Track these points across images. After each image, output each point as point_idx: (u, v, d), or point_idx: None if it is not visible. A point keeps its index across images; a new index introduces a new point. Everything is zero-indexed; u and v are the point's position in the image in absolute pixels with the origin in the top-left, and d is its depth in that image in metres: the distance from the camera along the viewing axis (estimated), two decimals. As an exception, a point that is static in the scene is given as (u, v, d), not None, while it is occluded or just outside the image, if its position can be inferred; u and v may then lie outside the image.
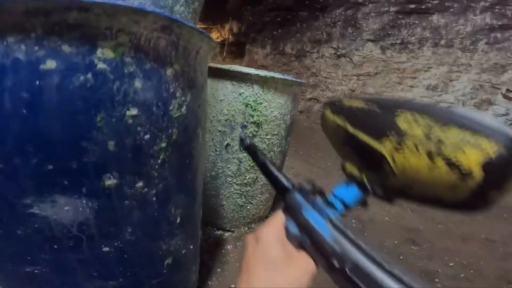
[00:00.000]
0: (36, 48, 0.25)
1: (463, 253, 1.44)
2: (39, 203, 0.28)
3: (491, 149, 0.16)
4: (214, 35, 10.85)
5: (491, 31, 2.71)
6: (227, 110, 0.92)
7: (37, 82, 0.25)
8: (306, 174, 2.12)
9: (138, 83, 0.31)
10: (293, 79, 1.01)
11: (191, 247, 0.52)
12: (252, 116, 0.94)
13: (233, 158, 0.99)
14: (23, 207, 0.28)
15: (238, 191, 1.10)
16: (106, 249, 0.34)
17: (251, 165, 1.05)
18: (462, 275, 1.24)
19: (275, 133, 1.03)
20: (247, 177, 1.07)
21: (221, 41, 8.96)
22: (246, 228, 1.22)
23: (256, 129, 0.97)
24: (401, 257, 1.30)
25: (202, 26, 11.48)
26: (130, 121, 0.31)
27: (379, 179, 0.23)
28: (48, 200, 0.29)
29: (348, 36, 3.54)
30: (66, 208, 0.29)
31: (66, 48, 0.26)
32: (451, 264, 1.32)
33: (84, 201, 0.30)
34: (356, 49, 3.35)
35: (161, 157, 0.37)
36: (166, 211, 0.43)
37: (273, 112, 0.98)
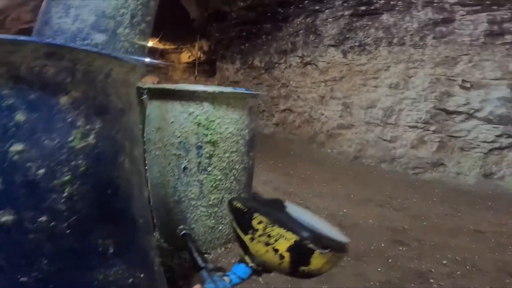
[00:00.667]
0: None
1: (454, 248, 1.52)
2: None
3: (292, 238, 0.29)
4: (185, 55, 11.20)
5: (435, 25, 3.13)
6: (179, 132, 0.94)
7: None
8: (286, 186, 2.25)
9: (20, 116, 0.32)
10: (245, 92, 1.06)
11: (142, 275, 0.53)
12: (206, 135, 0.95)
13: (194, 181, 0.99)
14: None
15: (205, 213, 1.11)
16: (23, 279, 0.36)
17: (214, 185, 1.07)
18: (458, 272, 1.25)
19: (234, 150, 1.04)
20: (212, 198, 1.08)
21: (193, 60, 9.23)
22: (223, 249, 1.22)
23: (213, 148, 0.97)
24: (390, 260, 1.36)
25: (172, 46, 11.81)
26: (16, 157, 0.32)
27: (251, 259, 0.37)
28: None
29: (311, 44, 3.88)
30: None
31: None
32: (444, 261, 1.33)
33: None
34: (320, 56, 3.67)
35: (66, 190, 0.39)
36: (90, 242, 0.46)
37: (228, 129, 1.00)
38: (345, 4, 3.72)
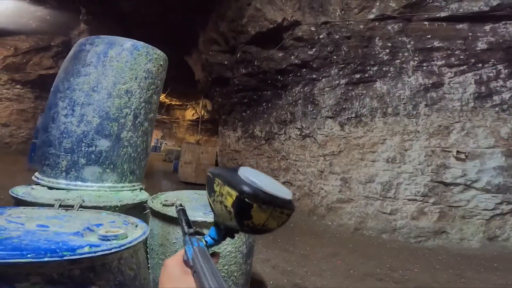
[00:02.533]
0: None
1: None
2: None
3: (234, 194, 0.44)
4: (190, 112, 13.35)
5: (426, 91, 4.12)
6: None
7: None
8: (284, 265, 2.98)
9: None
10: None
11: None
12: None
13: None
14: None
15: None
16: None
17: None
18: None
19: (232, 263, 1.62)
20: None
21: (197, 118, 11.00)
22: None
23: None
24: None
25: (178, 102, 14.14)
26: None
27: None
28: None
29: (309, 114, 4.98)
30: None
31: None
32: None
33: None
34: (318, 128, 4.72)
35: None
36: None
37: (227, 248, 1.52)
38: (341, 73, 4.87)
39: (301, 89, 5.44)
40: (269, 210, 0.49)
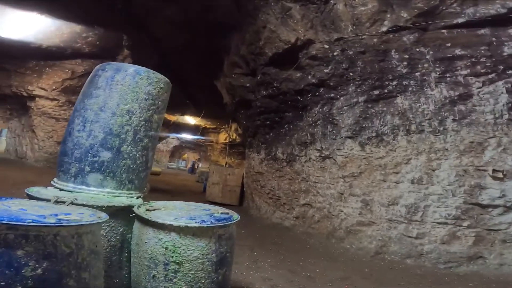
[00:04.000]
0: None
1: None
2: None
3: None
4: (223, 135, 14.02)
5: (453, 104, 3.92)
6: (151, 251, 1.71)
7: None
8: (285, 285, 2.91)
9: None
10: (210, 225, 1.80)
11: None
12: (172, 257, 1.66)
13: (160, 286, 1.69)
14: None
15: None
16: None
17: None
18: None
19: (199, 269, 1.73)
20: None
21: (230, 141, 11.49)
22: None
23: (178, 267, 1.68)
24: None
25: (212, 126, 15.00)
26: None
27: None
28: None
29: (328, 135, 5.00)
30: None
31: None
32: None
33: None
34: (338, 149, 4.71)
35: None
36: None
37: (193, 254, 1.70)
38: (358, 90, 4.86)
39: (320, 109, 5.51)
40: None
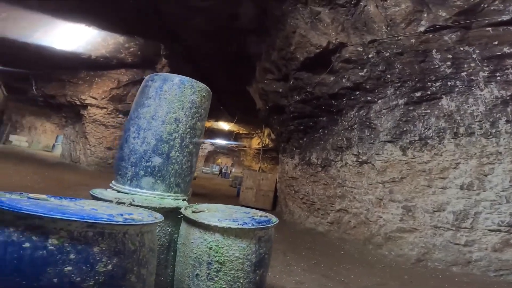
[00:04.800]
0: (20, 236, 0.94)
1: None
2: None
3: None
4: (256, 140, 14.20)
5: (505, 105, 3.62)
6: (196, 250, 1.84)
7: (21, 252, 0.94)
8: None
9: (72, 255, 0.96)
10: (252, 227, 1.90)
11: None
12: (215, 256, 1.66)
13: (203, 285, 1.70)
14: None
15: None
16: None
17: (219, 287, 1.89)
18: None
19: (239, 269, 1.82)
20: None
21: (263, 146, 11.61)
22: None
23: (220, 266, 1.78)
24: None
25: (245, 131, 15.30)
26: (67, 271, 0.94)
27: None
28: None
29: (366, 140, 4.84)
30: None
31: (34, 237, 0.96)
32: None
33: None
34: (377, 154, 4.54)
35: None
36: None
37: (235, 254, 1.71)
38: (398, 92, 4.65)
39: (356, 113, 5.34)
40: None
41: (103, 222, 1.01)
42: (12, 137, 16.67)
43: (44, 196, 1.29)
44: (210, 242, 1.71)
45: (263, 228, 1.80)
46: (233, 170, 21.81)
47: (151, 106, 2.18)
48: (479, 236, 3.37)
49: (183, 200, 2.18)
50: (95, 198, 1.82)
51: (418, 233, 3.88)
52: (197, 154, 2.55)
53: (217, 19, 6.85)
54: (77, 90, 10.85)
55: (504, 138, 3.49)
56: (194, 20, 7.08)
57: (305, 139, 6.64)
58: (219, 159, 27.54)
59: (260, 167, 11.33)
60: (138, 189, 2.04)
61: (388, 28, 4.16)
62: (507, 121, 3.53)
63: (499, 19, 3.32)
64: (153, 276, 1.35)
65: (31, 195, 1.30)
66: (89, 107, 10.96)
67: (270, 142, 12.21)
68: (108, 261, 1.01)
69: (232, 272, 1.70)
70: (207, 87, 2.41)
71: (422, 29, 3.80)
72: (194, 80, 2.30)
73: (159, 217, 1.35)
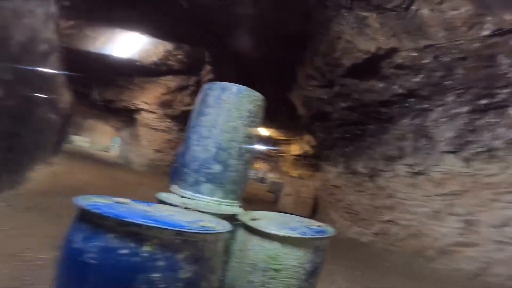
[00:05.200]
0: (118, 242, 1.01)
1: None
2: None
3: None
4: (295, 146, 14.06)
5: None
6: (254, 257, 1.82)
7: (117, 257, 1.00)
8: None
9: (160, 262, 0.98)
10: (311, 236, 1.88)
11: None
12: (272, 264, 1.75)
13: None
14: None
15: None
16: None
17: None
18: None
19: (294, 277, 1.80)
20: None
21: (301, 153, 11.45)
22: None
23: (275, 273, 1.77)
24: None
25: (284, 137, 15.25)
26: (154, 276, 0.96)
27: None
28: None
29: (422, 149, 4.54)
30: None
31: (132, 244, 0.97)
32: None
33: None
34: (434, 165, 4.23)
35: None
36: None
37: (292, 262, 1.76)
38: (460, 99, 4.29)
39: (410, 122, 5.01)
40: None
41: (190, 231, 1.07)
42: (75, 138, 18.72)
43: (128, 200, 1.42)
44: (268, 249, 1.72)
45: (320, 238, 1.79)
46: (270, 175, 21.81)
47: (210, 115, 2.28)
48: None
49: (238, 207, 2.24)
50: (161, 202, 1.96)
51: (479, 248, 3.55)
52: (252, 162, 2.61)
53: (262, 26, 6.98)
54: (131, 95, 11.68)
55: None
56: (240, 27, 7.30)
57: (350, 147, 6.40)
58: (257, 165, 27.77)
59: (300, 174, 11.17)
60: (199, 195, 2.14)
61: (447, 32, 3.86)
62: None
63: None
64: (217, 283, 1.41)
65: (115, 199, 1.45)
66: (141, 112, 11.82)
67: (310, 149, 12.00)
68: (189, 268, 1.05)
69: (287, 280, 1.70)
70: (262, 96, 2.46)
71: (486, 32, 3.47)
72: (250, 89, 2.36)
73: (227, 225, 1.41)
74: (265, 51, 8.26)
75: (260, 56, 8.63)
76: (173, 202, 1.87)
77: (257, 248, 1.73)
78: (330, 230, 1.96)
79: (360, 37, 4.82)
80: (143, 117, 11.84)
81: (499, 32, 3.42)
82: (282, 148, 16.30)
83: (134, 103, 11.80)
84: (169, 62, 10.44)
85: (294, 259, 1.71)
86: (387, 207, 4.89)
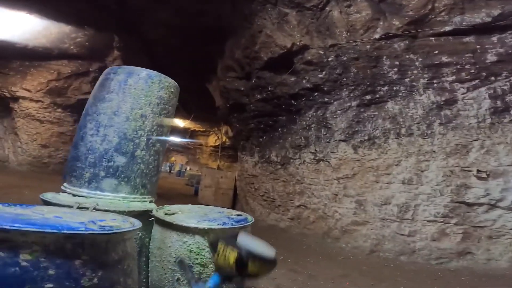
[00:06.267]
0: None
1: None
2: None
3: (236, 254, 1.02)
4: (212, 138, 13.97)
5: (440, 109, 4.13)
6: (175, 254, 1.71)
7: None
8: (290, 284, 3.01)
9: (51, 271, 0.83)
10: (232, 226, 1.85)
11: None
12: (197, 259, 1.60)
13: None
14: None
15: None
16: None
17: None
18: None
19: None
20: None
21: (218, 144, 11.47)
22: None
23: (202, 268, 1.71)
24: None
25: (201, 128, 14.89)
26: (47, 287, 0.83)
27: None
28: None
29: (322, 138, 5.12)
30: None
31: (1, 253, 0.77)
32: None
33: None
34: (332, 152, 4.83)
35: None
36: None
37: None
38: (352, 95, 5.01)
39: (314, 113, 5.63)
40: (259, 264, 0.88)
41: (82, 232, 0.90)
42: None
43: (-7, 203, 1.09)
44: (190, 244, 1.63)
45: (242, 227, 1.77)
46: (189, 168, 21.19)
47: (113, 101, 1.99)
48: (419, 227, 3.84)
49: (150, 202, 2.05)
50: (47, 203, 1.60)
51: (369, 226, 4.27)
52: (164, 153, 2.42)
53: (184, 13, 6.56)
54: (7, 81, 9.39)
55: (437, 139, 4.03)
56: (159, 13, 6.67)
57: (264, 137, 6.76)
58: (173, 158, 26.43)
59: (218, 165, 11.20)
60: (98, 192, 1.85)
61: (348, 34, 4.46)
62: (440, 124, 4.08)
63: (442, 30, 3.81)
64: (136, 285, 1.25)
65: (-28, 203, 1.09)
66: (21, 100, 9.58)
67: (227, 140, 12.15)
68: (93, 274, 0.91)
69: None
70: (176, 83, 2.29)
71: (377, 36, 4.17)
72: (162, 75, 2.16)
73: (136, 222, 1.25)
74: (183, 41, 7.82)
75: (178, 45, 8.13)
76: (62, 203, 1.57)
77: (177, 244, 1.61)
78: (250, 219, 1.97)
79: (279, 33, 5.08)
80: (23, 106, 9.60)
81: (386, 36, 4.14)
82: (200, 140, 16.00)
83: (10, 90, 9.48)
84: (64, 46, 8.95)
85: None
86: (297, 193, 5.40)
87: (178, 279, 1.63)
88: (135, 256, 1.15)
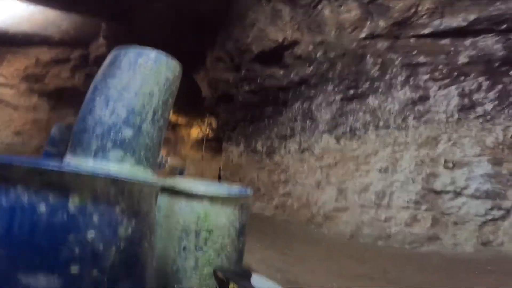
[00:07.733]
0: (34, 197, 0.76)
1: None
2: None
3: None
4: (195, 130, 13.91)
5: (414, 105, 4.50)
6: (183, 221, 1.78)
7: (35, 218, 0.77)
8: (280, 264, 3.22)
9: (95, 218, 0.86)
10: (237, 193, 1.99)
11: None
12: (204, 225, 1.66)
13: (191, 257, 1.69)
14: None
15: (198, 282, 1.82)
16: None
17: (207, 261, 1.81)
18: None
19: (226, 235, 1.84)
20: (204, 271, 1.79)
21: (202, 137, 11.50)
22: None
23: (208, 235, 1.79)
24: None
25: (183, 120, 14.72)
26: (89, 237, 0.83)
27: None
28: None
29: (307, 129, 5.39)
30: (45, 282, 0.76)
31: (51, 197, 0.79)
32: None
33: (56, 279, 0.79)
34: (316, 142, 5.12)
35: (111, 258, 0.86)
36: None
37: (222, 220, 1.71)
38: (336, 89, 5.32)
39: (300, 106, 5.91)
40: None
41: (125, 179, 0.98)
42: None
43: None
44: (198, 210, 1.70)
45: (245, 196, 1.90)
46: (170, 160, 20.96)
47: (122, 78, 2.08)
48: (394, 213, 4.20)
49: (152, 175, 2.18)
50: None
51: (350, 212, 4.60)
52: (165, 131, 2.55)
53: (179, 5, 6.54)
54: (-21, 66, 8.91)
55: (411, 131, 4.43)
56: (154, 4, 6.62)
57: (251, 127, 6.96)
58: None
59: (202, 156, 11.26)
60: (104, 162, 1.97)
61: (337, 32, 4.74)
62: (414, 118, 4.47)
63: (422, 32, 4.17)
64: (156, 247, 1.30)
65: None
66: (-8, 86, 9.11)
67: (210, 132, 12.21)
68: (128, 224, 0.93)
69: (220, 239, 1.73)
70: (180, 64, 2.42)
71: (363, 35, 4.47)
72: (169, 56, 2.29)
73: (158, 180, 1.37)
74: (174, 32, 7.78)
75: (168, 36, 8.07)
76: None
77: (185, 210, 1.68)
78: (250, 191, 2.08)
79: (272, 27, 5.27)
80: (-4, 92, 9.13)
81: (371, 36, 4.45)
82: (182, 131, 15.88)
83: (-16, 76, 8.98)
84: (46, 32, 8.64)
85: (224, 217, 1.74)
86: (282, 182, 5.66)
87: (185, 247, 1.68)
88: (155, 214, 1.27)
